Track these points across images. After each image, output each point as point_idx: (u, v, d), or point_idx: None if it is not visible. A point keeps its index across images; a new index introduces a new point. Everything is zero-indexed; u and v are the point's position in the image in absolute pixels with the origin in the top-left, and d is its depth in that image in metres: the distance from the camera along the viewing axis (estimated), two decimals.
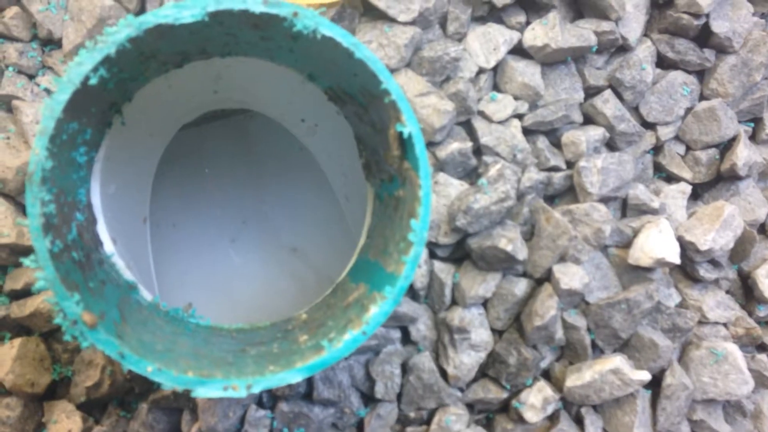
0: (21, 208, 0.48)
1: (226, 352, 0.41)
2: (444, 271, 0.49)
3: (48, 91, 0.48)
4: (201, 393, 0.34)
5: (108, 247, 0.44)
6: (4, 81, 0.48)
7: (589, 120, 0.52)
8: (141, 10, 0.48)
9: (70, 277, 0.33)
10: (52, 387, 0.49)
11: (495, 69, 0.51)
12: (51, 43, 0.48)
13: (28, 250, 0.47)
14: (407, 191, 0.39)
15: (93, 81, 0.31)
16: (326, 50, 0.37)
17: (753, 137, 0.55)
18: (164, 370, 0.34)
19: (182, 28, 0.33)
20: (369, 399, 0.50)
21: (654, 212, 0.51)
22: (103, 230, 0.44)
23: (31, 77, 0.48)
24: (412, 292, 0.49)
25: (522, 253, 0.47)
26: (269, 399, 0.49)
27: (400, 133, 0.37)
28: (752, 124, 0.55)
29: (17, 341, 0.47)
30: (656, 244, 0.48)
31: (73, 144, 0.36)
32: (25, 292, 0.48)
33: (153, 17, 0.31)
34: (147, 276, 0.55)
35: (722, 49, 0.52)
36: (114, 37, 0.31)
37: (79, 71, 0.31)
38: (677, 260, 0.48)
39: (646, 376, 0.48)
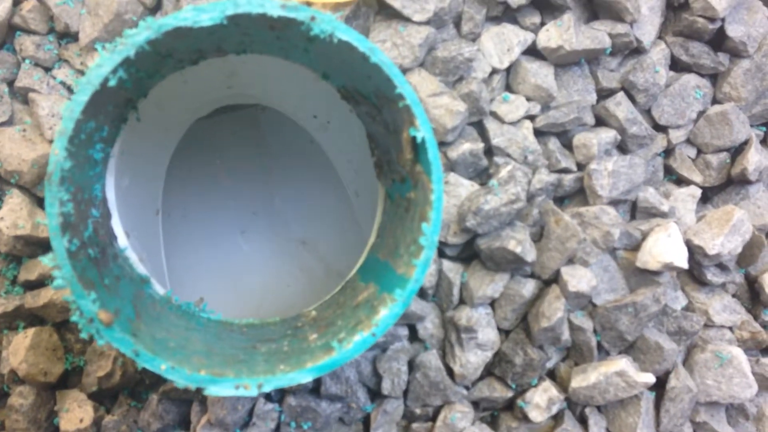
0: (37, 200, 0.48)
1: (237, 349, 0.41)
2: (452, 270, 0.49)
3: (64, 84, 0.49)
4: (213, 392, 0.35)
5: (122, 241, 0.45)
6: (21, 73, 0.48)
7: (601, 122, 0.52)
8: (157, 5, 0.48)
9: (86, 274, 0.34)
10: (65, 376, 0.50)
11: (508, 70, 0.51)
12: (67, 36, 0.49)
13: (43, 242, 0.48)
14: (419, 194, 0.39)
15: (112, 82, 0.32)
16: (342, 53, 0.37)
17: (765, 141, 0.55)
18: (177, 368, 0.34)
19: (200, 29, 0.33)
20: (375, 395, 0.51)
21: (663, 215, 0.51)
22: (117, 224, 0.44)
23: (48, 70, 0.49)
24: (420, 291, 0.50)
25: (531, 255, 0.47)
26: (277, 393, 0.50)
27: (414, 137, 0.37)
28: (765, 128, 0.55)
29: (31, 331, 0.48)
30: (665, 248, 0.48)
31: (91, 142, 0.36)
32: (39, 283, 0.49)
33: (173, 20, 0.32)
34: (159, 268, 0.56)
35: (736, 53, 0.52)
36: (133, 39, 0.31)
37: (98, 73, 0.31)
38: (685, 265, 0.48)
39: (650, 378, 0.48)
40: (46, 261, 0.32)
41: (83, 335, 0.33)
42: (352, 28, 0.35)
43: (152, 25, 0.31)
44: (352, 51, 0.35)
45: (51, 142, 0.47)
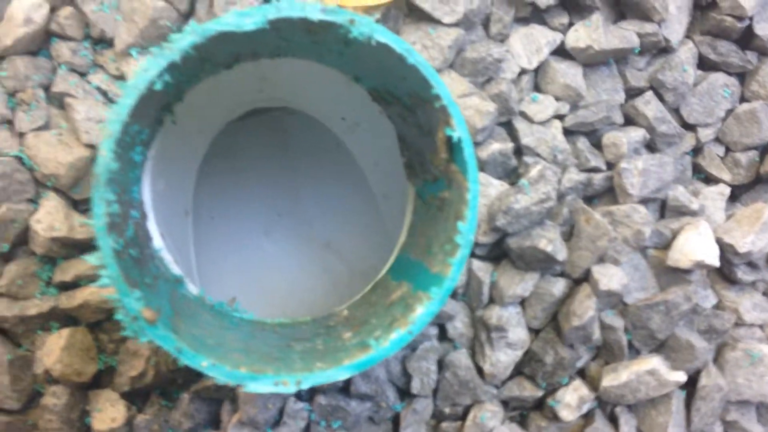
0: (72, 203, 0.49)
1: (272, 347, 0.42)
2: (482, 269, 0.50)
3: (99, 89, 0.49)
4: (253, 388, 0.35)
5: (157, 242, 0.45)
6: (57, 79, 0.49)
7: (629, 121, 0.52)
8: (191, 11, 0.49)
9: (130, 273, 0.35)
10: (97, 376, 0.51)
11: (537, 70, 0.51)
12: (103, 42, 0.49)
13: (78, 244, 0.48)
14: (453, 193, 0.40)
15: (158, 86, 0.32)
16: (377, 54, 0.37)
17: None
18: (218, 365, 0.35)
19: (242, 34, 0.34)
20: (405, 394, 0.51)
21: (693, 214, 0.51)
22: (152, 226, 0.45)
23: (83, 75, 0.49)
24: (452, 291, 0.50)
25: (561, 254, 0.48)
26: (307, 392, 0.51)
27: (449, 137, 0.38)
28: None
29: (65, 331, 0.49)
30: (696, 246, 0.48)
31: (133, 144, 0.37)
32: (74, 284, 0.49)
33: (216, 25, 0.32)
34: (189, 268, 0.57)
35: (765, 52, 0.52)
36: (179, 43, 0.32)
37: (145, 77, 0.32)
38: (717, 263, 0.48)
39: (682, 377, 0.48)
40: (91, 260, 0.33)
41: (127, 333, 0.33)
42: (388, 30, 0.35)
43: (197, 30, 0.32)
44: (389, 52, 0.36)
45: (87, 145, 0.48)
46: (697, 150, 0.54)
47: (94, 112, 0.48)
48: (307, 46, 0.40)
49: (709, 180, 0.54)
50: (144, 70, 0.32)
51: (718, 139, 0.54)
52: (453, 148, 0.38)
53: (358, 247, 0.69)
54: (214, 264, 0.65)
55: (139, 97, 0.32)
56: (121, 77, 0.49)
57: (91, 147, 0.48)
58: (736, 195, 0.55)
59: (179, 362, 0.34)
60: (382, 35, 0.35)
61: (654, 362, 0.48)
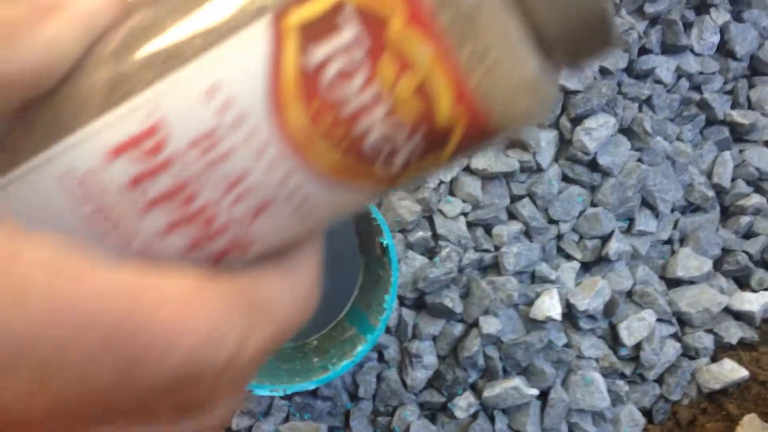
0: None
1: (267, 366, 0.66)
2: (408, 315, 0.74)
3: None
4: (258, 392, 0.59)
5: None
6: None
7: (512, 217, 0.77)
8: None
9: None
10: None
11: (451, 181, 0.75)
12: None
13: None
14: (384, 274, 0.64)
15: None
16: None
17: (626, 231, 0.79)
18: None
19: None
20: (354, 397, 0.75)
21: (552, 282, 0.76)
22: None
23: None
24: (386, 329, 0.74)
25: (459, 308, 0.72)
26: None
27: (381, 242, 0.62)
28: (626, 221, 0.80)
29: None
30: (548, 306, 0.73)
31: None
32: None
33: None
34: None
35: (606, 173, 0.77)
36: None
37: None
38: (560, 318, 0.73)
39: (536, 392, 0.73)
40: None
41: None
42: None
43: None
44: None
45: None
46: (559, 237, 0.78)
47: None
48: None
49: (567, 257, 0.79)
50: None
51: (574, 230, 0.78)
52: (384, 248, 0.62)
53: (327, 286, 0.92)
54: None
55: None
56: None
57: None
58: (587, 268, 0.80)
59: None
60: None
61: (517, 381, 0.73)
